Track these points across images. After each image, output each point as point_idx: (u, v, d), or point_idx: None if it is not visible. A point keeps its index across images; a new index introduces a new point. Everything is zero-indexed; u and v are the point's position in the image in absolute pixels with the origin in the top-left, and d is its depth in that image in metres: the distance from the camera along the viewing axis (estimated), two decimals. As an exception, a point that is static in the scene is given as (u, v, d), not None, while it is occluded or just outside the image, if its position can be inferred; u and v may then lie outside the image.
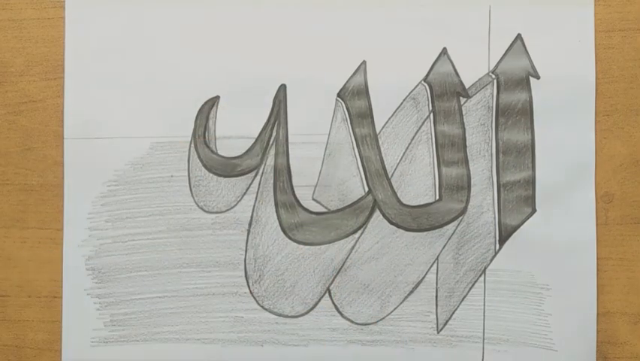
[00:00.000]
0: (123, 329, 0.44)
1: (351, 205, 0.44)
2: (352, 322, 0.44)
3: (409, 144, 0.44)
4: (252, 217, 0.44)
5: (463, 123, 0.44)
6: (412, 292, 0.44)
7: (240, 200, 0.44)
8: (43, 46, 0.44)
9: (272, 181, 0.44)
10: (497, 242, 0.44)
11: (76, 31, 0.44)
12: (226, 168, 0.44)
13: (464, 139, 0.44)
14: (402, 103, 0.44)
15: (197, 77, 0.44)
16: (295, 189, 0.44)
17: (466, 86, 0.44)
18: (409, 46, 0.44)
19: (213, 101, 0.44)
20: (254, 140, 0.44)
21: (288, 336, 0.44)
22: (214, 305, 0.44)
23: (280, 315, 0.44)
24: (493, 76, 0.44)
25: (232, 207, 0.44)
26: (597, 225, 0.43)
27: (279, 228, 0.44)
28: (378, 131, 0.44)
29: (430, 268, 0.44)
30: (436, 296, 0.44)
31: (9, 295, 0.44)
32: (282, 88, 0.44)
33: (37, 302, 0.44)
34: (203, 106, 0.44)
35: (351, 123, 0.44)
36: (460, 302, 0.44)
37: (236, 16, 0.44)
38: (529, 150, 0.44)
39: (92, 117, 0.44)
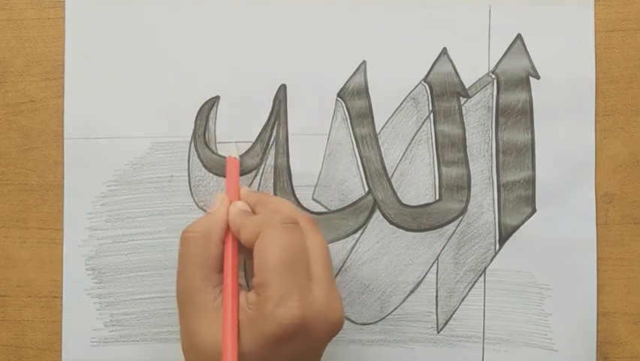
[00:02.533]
0: (123, 329, 0.44)
1: (351, 205, 0.44)
2: (352, 322, 0.44)
3: (409, 144, 0.44)
4: (252, 217, 0.44)
5: (463, 123, 0.44)
6: (412, 292, 0.44)
7: (240, 200, 0.44)
8: (43, 46, 0.44)
9: (272, 181, 0.44)
10: (497, 242, 0.44)
11: (77, 31, 0.44)
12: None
13: (464, 139, 0.44)
14: (402, 103, 0.44)
15: (197, 77, 0.44)
16: (295, 189, 0.44)
17: (466, 86, 0.44)
18: (409, 46, 0.44)
19: (213, 101, 0.44)
20: (254, 140, 0.44)
21: (288, 336, 0.44)
22: (214, 305, 0.44)
23: (280, 315, 0.44)
24: (493, 76, 0.44)
25: (232, 207, 0.44)
26: (597, 225, 0.43)
27: (279, 228, 0.44)
28: (378, 132, 0.44)
29: (430, 268, 0.44)
30: (436, 296, 0.44)
31: (9, 295, 0.44)
32: (282, 88, 0.44)
33: (37, 302, 0.44)
34: (203, 106, 0.44)
35: (351, 123, 0.44)
36: (460, 302, 0.44)
37: (236, 16, 0.44)
38: (529, 150, 0.44)
39: (92, 117, 0.44)
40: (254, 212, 0.40)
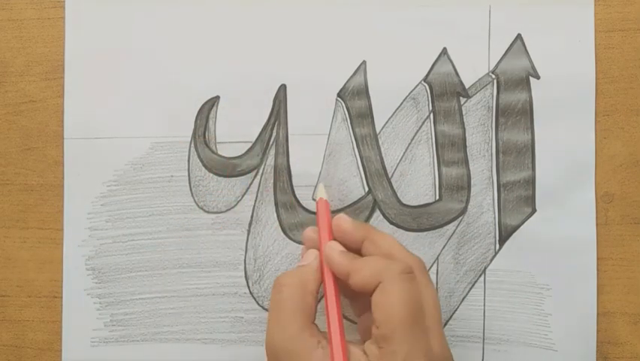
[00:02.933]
0: (123, 329, 0.44)
1: (351, 205, 0.44)
2: (352, 322, 0.44)
3: (409, 144, 0.44)
4: (252, 217, 0.44)
5: (463, 123, 0.44)
6: (412, 292, 0.44)
7: (240, 200, 0.44)
8: (43, 46, 0.44)
9: (272, 181, 0.44)
10: (497, 242, 0.44)
11: (77, 31, 0.44)
12: (226, 168, 0.44)
13: (464, 139, 0.44)
14: (402, 103, 0.44)
15: (197, 77, 0.44)
16: (295, 189, 0.44)
17: (466, 86, 0.44)
18: (409, 46, 0.44)
19: (213, 101, 0.44)
20: (254, 140, 0.44)
21: (288, 336, 0.44)
22: (214, 305, 0.44)
23: (280, 315, 0.44)
24: (493, 76, 0.44)
25: (232, 207, 0.44)
26: (597, 225, 0.43)
27: (279, 228, 0.44)
28: (378, 132, 0.44)
29: (430, 268, 0.44)
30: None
31: (9, 295, 0.44)
32: (282, 88, 0.44)
33: (37, 302, 0.44)
34: (203, 106, 0.44)
35: (351, 123, 0.44)
36: (460, 302, 0.44)
37: (236, 16, 0.44)
38: (529, 150, 0.44)
39: (92, 117, 0.44)
40: (358, 248, 0.38)
